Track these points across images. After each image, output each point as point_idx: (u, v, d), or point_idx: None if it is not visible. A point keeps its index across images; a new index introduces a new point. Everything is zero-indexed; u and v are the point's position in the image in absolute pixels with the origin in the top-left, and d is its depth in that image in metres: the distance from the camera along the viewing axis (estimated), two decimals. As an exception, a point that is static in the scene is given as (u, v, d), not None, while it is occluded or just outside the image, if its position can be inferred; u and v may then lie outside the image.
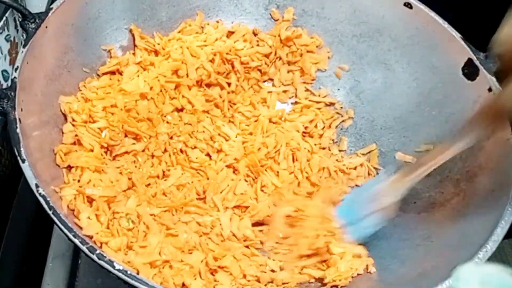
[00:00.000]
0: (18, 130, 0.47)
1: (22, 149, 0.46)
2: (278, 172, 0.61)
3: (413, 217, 0.57)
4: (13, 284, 0.69)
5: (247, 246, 0.56)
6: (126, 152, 0.58)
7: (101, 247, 0.49)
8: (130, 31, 0.64)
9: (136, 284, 0.41)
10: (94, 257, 0.42)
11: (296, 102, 0.68)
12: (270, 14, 0.69)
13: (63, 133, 0.55)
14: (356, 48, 0.67)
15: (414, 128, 0.63)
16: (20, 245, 0.72)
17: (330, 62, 0.68)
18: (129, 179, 0.56)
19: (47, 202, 0.44)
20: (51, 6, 0.55)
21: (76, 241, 0.42)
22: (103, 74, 0.61)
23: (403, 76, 0.64)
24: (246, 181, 0.61)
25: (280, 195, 0.59)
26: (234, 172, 0.61)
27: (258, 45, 0.68)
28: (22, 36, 0.67)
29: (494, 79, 0.56)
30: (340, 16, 0.67)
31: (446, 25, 0.60)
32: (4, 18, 0.62)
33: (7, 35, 0.63)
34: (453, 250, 0.49)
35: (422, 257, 0.52)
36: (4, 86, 0.63)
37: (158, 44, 0.64)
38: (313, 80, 0.69)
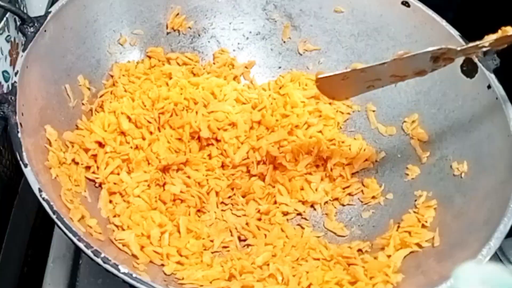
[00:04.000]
0: (19, 135, 0.47)
1: (24, 153, 0.46)
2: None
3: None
4: (14, 284, 0.69)
5: None
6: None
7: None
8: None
9: (141, 287, 0.41)
10: (99, 260, 0.42)
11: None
12: (267, 14, 0.69)
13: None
14: (354, 47, 0.67)
15: (413, 126, 0.63)
16: (21, 245, 0.72)
17: (328, 62, 0.69)
18: None
19: (51, 207, 0.44)
20: (49, 10, 0.55)
21: (81, 245, 0.43)
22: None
23: (401, 74, 0.64)
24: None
25: None
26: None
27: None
28: (23, 36, 0.67)
29: (493, 76, 0.56)
30: (338, 15, 0.67)
31: (444, 23, 0.60)
32: (5, 19, 0.62)
33: (8, 35, 0.63)
34: (456, 248, 0.49)
35: (425, 256, 0.52)
36: (5, 86, 0.64)
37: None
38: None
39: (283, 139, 0.62)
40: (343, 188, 0.62)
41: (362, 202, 0.62)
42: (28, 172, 0.45)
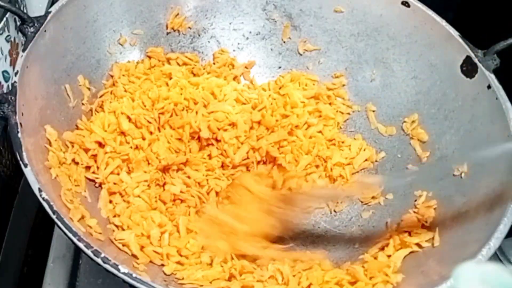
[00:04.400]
0: (19, 135, 0.47)
1: (24, 153, 0.46)
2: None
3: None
4: (14, 284, 0.69)
5: None
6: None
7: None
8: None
9: (141, 287, 0.41)
10: (99, 260, 0.42)
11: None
12: (267, 15, 0.69)
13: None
14: (354, 47, 0.67)
15: (413, 126, 0.63)
16: (21, 245, 0.72)
17: (328, 62, 0.69)
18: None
19: (51, 207, 0.44)
20: (49, 10, 0.55)
21: (81, 245, 0.43)
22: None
23: (401, 74, 0.64)
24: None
25: None
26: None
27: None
28: (23, 36, 0.67)
29: (493, 76, 0.56)
30: (338, 15, 0.67)
31: (444, 23, 0.60)
32: (5, 19, 0.62)
33: (8, 35, 0.63)
34: (456, 248, 0.50)
35: (425, 256, 0.52)
36: (5, 86, 0.64)
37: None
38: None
39: (283, 139, 0.62)
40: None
41: (362, 202, 0.62)
42: (28, 172, 0.45)
